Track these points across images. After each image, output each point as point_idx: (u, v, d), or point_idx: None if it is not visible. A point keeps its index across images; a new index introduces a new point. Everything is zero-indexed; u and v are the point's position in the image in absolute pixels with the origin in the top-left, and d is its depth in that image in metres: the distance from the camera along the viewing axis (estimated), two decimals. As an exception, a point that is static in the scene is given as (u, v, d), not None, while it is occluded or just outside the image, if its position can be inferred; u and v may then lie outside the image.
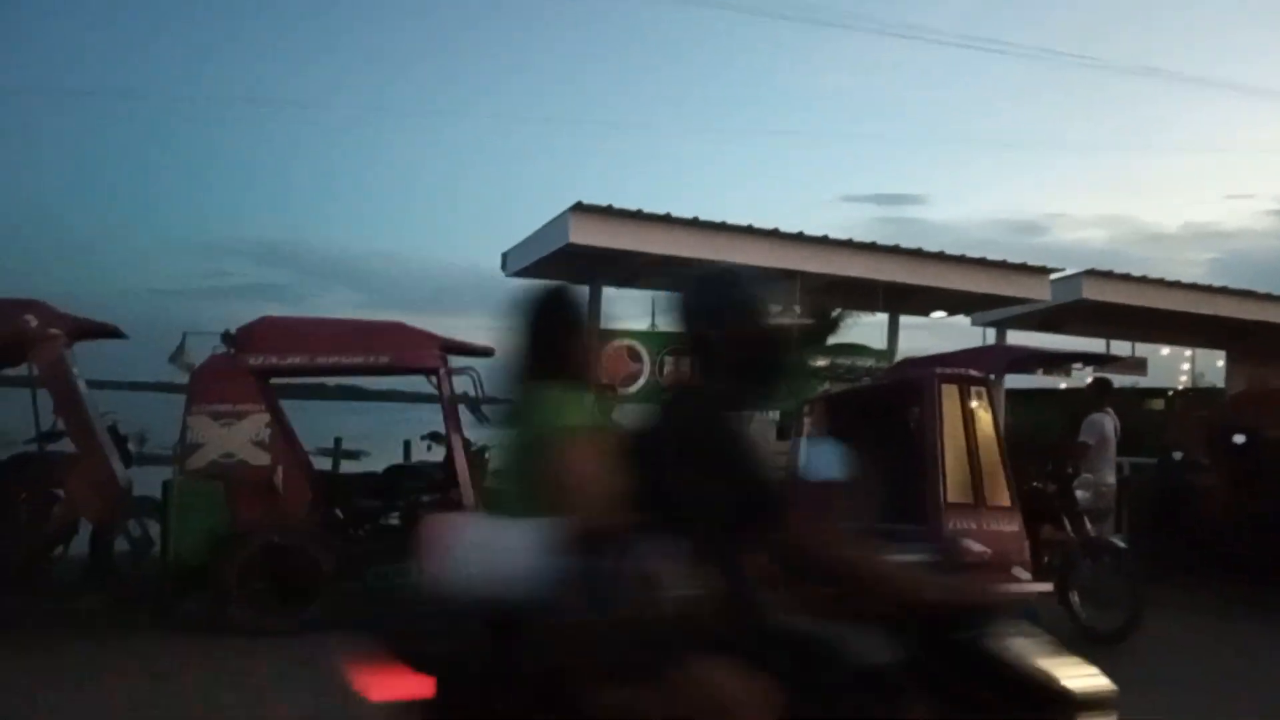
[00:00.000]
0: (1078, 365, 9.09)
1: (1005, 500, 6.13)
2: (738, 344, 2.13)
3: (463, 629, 1.99)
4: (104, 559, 6.98)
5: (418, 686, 1.94)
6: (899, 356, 10.02)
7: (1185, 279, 11.51)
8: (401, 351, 6.89)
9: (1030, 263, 10.21)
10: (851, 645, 2.02)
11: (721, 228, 8.86)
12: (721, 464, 2.04)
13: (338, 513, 7.18)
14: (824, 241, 9.35)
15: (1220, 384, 13.80)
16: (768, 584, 2.10)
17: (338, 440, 11.48)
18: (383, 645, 2.00)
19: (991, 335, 11.60)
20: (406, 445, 10.80)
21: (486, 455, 8.22)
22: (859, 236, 9.70)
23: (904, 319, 10.68)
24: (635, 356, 9.61)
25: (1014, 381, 11.29)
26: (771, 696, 1.84)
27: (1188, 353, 15.45)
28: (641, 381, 9.60)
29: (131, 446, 7.92)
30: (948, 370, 6.68)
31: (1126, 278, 11.02)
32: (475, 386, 7.09)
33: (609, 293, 9.58)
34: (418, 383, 7.09)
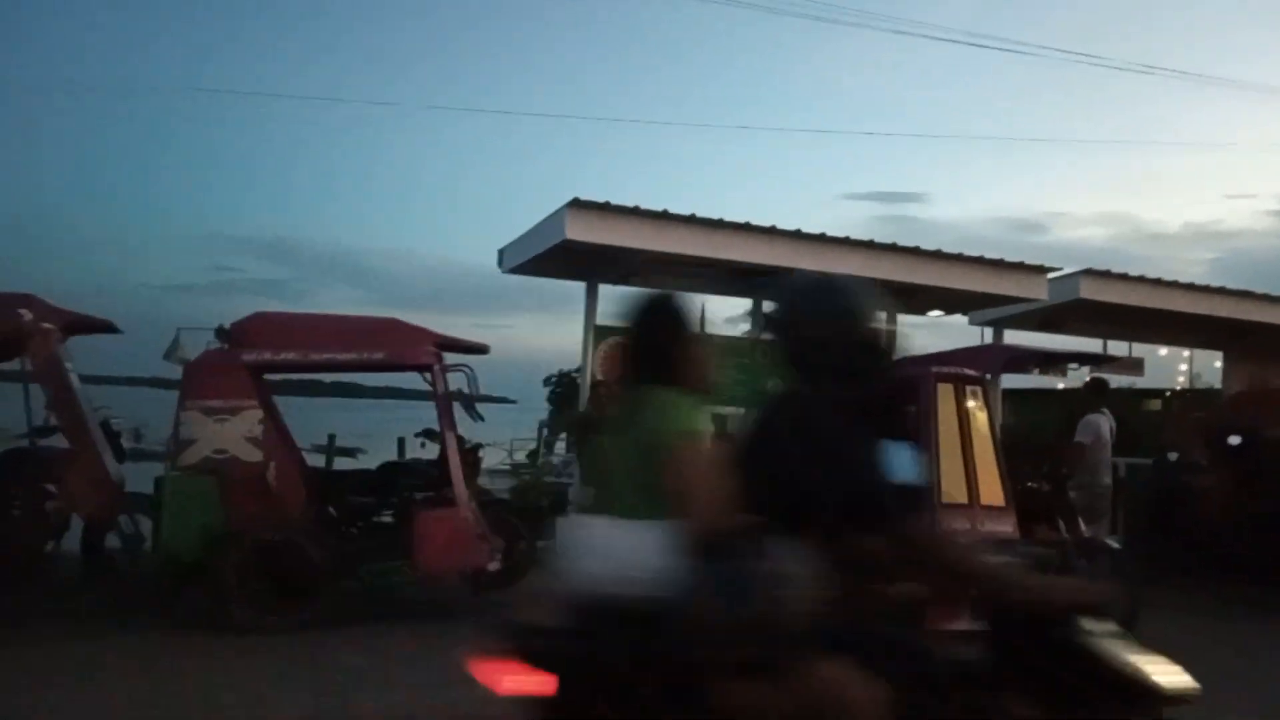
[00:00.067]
0: (1074, 365, 9.08)
1: (1000, 500, 6.13)
2: (841, 348, 2.21)
3: (586, 627, 2.09)
4: (97, 555, 6.98)
5: (541, 684, 2.02)
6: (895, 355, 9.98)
7: (1186, 278, 11.50)
8: (396, 348, 6.87)
9: (1028, 262, 10.19)
10: (956, 642, 2.13)
11: (719, 224, 8.82)
12: (840, 466, 2.11)
13: (331, 510, 7.17)
14: (821, 239, 9.31)
15: (1218, 385, 13.79)
16: (884, 581, 2.21)
17: (331, 437, 11.47)
18: (507, 642, 2.08)
19: (989, 334, 11.58)
20: (400, 442, 10.80)
21: (480, 453, 8.23)
22: (859, 235, 9.67)
23: (901, 318, 10.65)
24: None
25: (1010, 381, 11.28)
26: (886, 695, 1.92)
27: (1186, 353, 15.44)
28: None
29: (127, 442, 7.92)
30: (944, 369, 6.68)
31: (1124, 277, 11.00)
32: (469, 384, 7.08)
33: (605, 290, 9.55)
34: (415, 379, 7.08)
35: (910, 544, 2.16)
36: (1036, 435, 10.14)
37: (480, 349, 7.37)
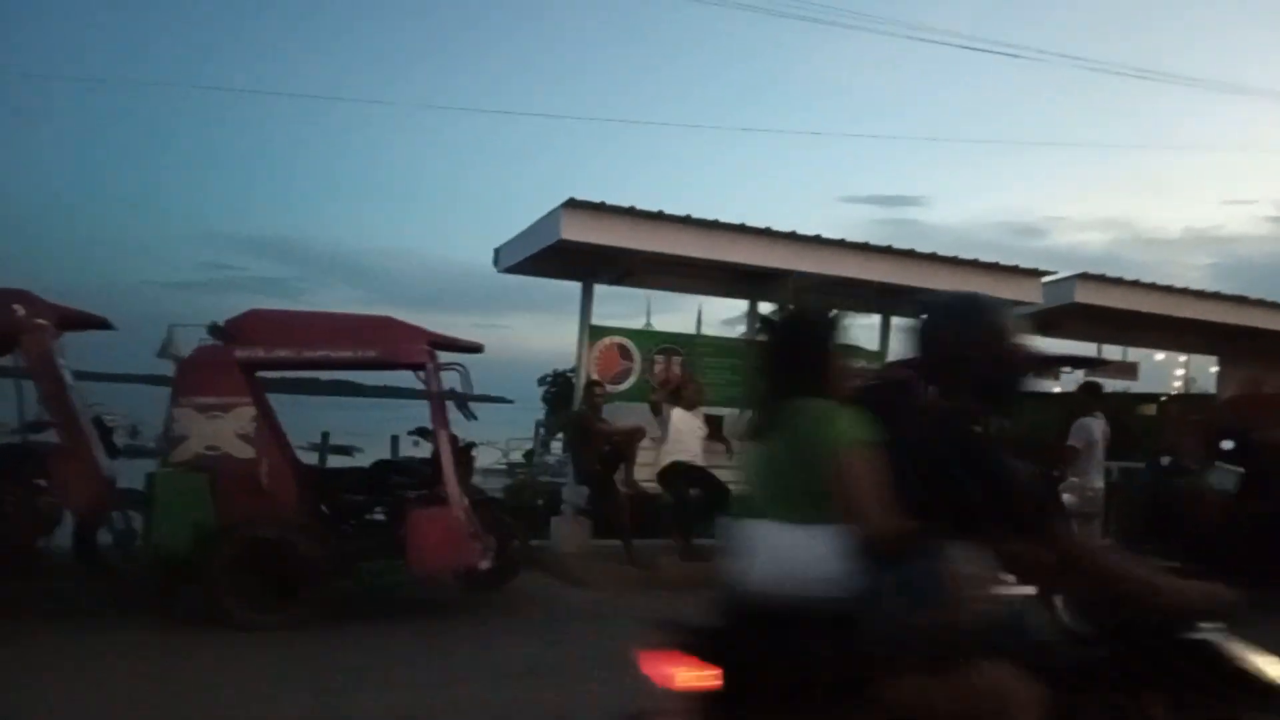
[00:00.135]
0: (1067, 369, 9.09)
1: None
2: (982, 365, 2.32)
3: (759, 627, 2.19)
4: (89, 551, 6.98)
5: (711, 678, 2.12)
6: (890, 358, 10.01)
7: (1184, 283, 11.49)
8: (389, 346, 6.87)
9: (1023, 265, 10.21)
10: (1101, 644, 2.25)
11: (715, 225, 8.83)
12: (997, 475, 2.23)
13: (324, 508, 7.18)
14: (816, 241, 9.33)
15: (1212, 389, 13.81)
16: (1041, 583, 2.30)
17: (325, 435, 11.49)
18: (677, 640, 2.19)
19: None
20: (394, 440, 10.81)
21: (474, 452, 8.24)
22: (857, 238, 9.67)
23: (896, 320, 10.67)
24: (626, 354, 9.61)
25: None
26: (1042, 695, 2.04)
27: (1182, 358, 15.46)
28: (632, 379, 9.60)
29: (123, 439, 7.92)
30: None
31: (1119, 281, 11.01)
32: (463, 382, 7.08)
33: (599, 289, 9.56)
34: (412, 378, 7.08)
35: (1059, 548, 2.27)
36: (1030, 438, 10.13)
37: (475, 348, 7.37)
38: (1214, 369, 13.82)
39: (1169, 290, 11.27)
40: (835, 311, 2.61)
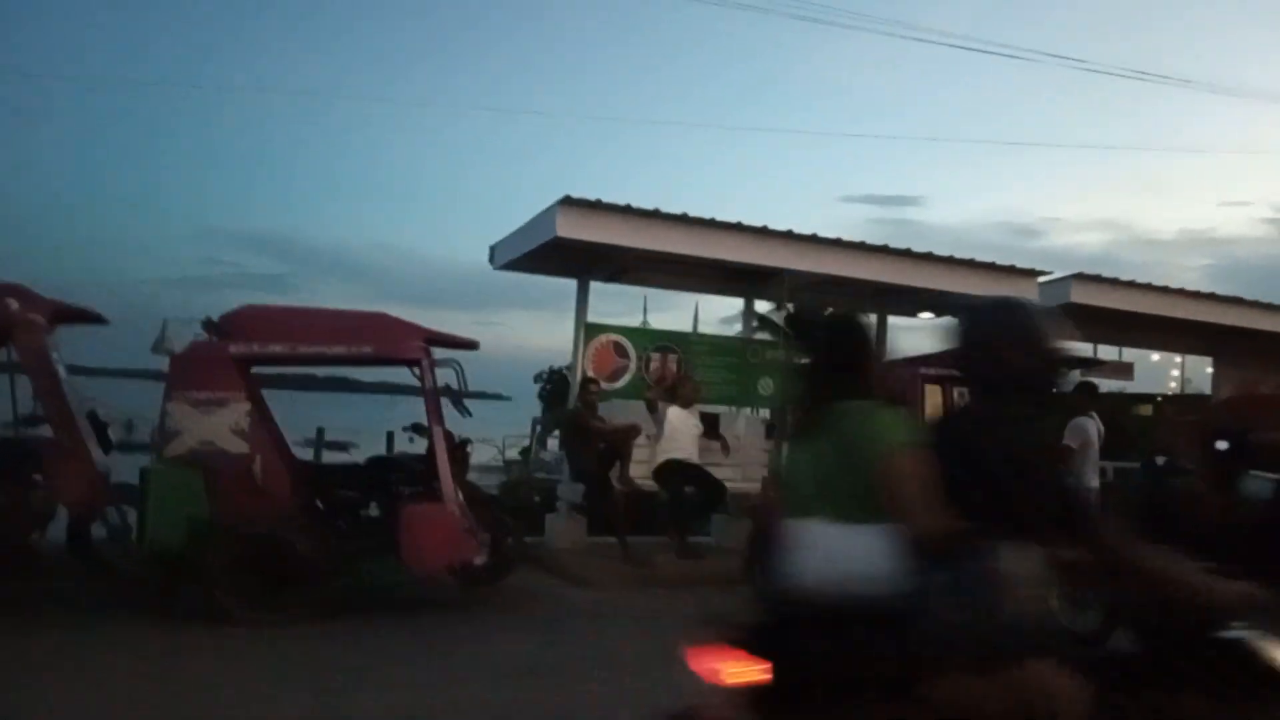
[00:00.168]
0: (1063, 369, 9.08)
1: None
2: (1023, 368, 2.34)
3: (810, 624, 2.21)
4: (83, 546, 6.96)
5: (760, 673, 2.14)
6: (885, 357, 10.00)
7: (1180, 284, 11.51)
8: (384, 342, 6.86)
9: (1020, 265, 10.21)
10: (1139, 643, 2.33)
11: (711, 224, 8.82)
12: (1042, 476, 2.27)
13: (318, 504, 7.17)
14: (812, 240, 9.32)
15: (1207, 390, 13.83)
16: (1085, 582, 2.38)
17: (320, 431, 11.48)
18: (727, 636, 2.21)
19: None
20: (389, 437, 10.81)
21: (469, 448, 8.23)
22: (855, 238, 9.67)
23: (891, 319, 10.67)
24: (621, 352, 9.60)
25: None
26: (1089, 694, 2.08)
27: (1177, 359, 15.49)
28: (627, 377, 9.59)
29: (119, 434, 7.91)
30: (931, 370, 6.69)
31: (1115, 282, 11.02)
32: (458, 379, 7.08)
33: (596, 287, 9.56)
34: (408, 374, 7.07)
35: (1104, 549, 2.28)
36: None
37: (470, 344, 7.36)
38: (1209, 369, 13.85)
39: (1165, 291, 11.29)
40: (866, 316, 2.69)
